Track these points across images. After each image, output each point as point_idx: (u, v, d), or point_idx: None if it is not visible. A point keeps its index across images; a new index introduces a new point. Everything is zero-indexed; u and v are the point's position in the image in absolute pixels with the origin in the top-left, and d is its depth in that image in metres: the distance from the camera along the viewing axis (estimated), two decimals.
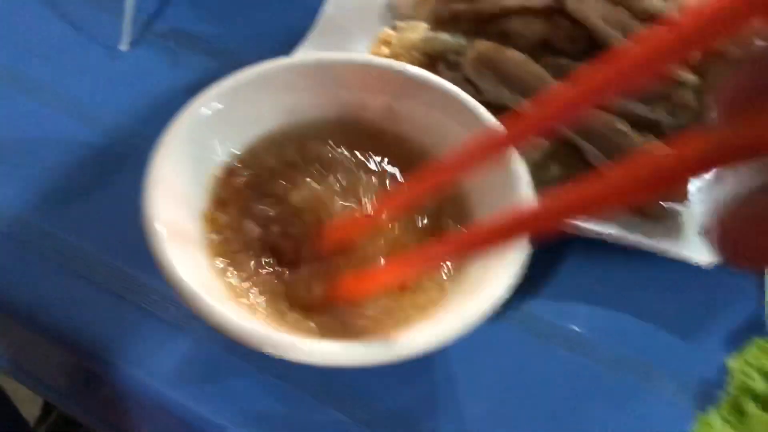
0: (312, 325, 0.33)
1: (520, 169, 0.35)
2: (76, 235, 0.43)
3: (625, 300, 0.41)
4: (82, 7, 0.54)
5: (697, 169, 0.17)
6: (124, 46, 0.52)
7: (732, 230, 0.17)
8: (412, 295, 0.34)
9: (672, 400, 0.37)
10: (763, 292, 0.36)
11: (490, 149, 0.29)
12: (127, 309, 0.40)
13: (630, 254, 0.41)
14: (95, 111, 0.49)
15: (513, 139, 0.28)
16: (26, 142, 0.48)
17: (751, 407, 0.27)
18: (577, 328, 0.40)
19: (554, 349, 0.39)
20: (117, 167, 0.47)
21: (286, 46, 0.48)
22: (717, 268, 0.39)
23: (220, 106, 0.37)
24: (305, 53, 0.47)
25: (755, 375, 0.29)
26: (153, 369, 0.38)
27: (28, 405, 1.04)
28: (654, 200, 0.41)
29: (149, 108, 0.50)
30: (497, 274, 0.31)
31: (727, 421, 0.28)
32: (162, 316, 0.39)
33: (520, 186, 0.34)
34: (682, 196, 0.41)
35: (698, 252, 0.39)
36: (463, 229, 0.36)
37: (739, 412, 0.28)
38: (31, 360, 0.45)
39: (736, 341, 0.37)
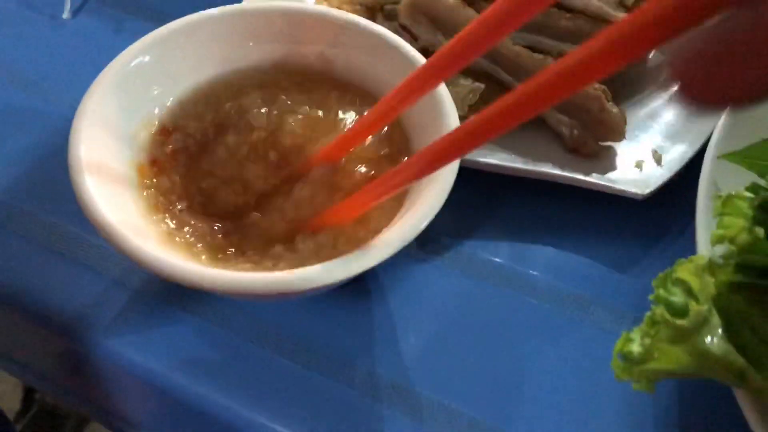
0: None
1: (448, 103, 0.35)
2: (15, 197, 0.43)
3: (563, 237, 0.41)
4: None
5: (659, 36, 0.17)
6: (66, 14, 0.52)
7: (688, 67, 0.17)
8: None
9: (609, 328, 0.38)
10: (695, 225, 0.37)
11: (423, 85, 0.30)
12: (65, 264, 0.40)
13: (567, 192, 0.41)
14: (38, 79, 0.49)
15: (441, 73, 0.29)
16: None
17: (662, 314, 0.28)
18: (515, 266, 0.40)
19: (492, 287, 0.39)
20: (59, 132, 0.46)
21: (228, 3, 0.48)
22: (650, 202, 0.40)
23: (147, 57, 0.37)
24: None
25: (675, 289, 0.29)
26: (92, 322, 0.38)
27: (8, 399, 1.04)
28: (590, 139, 0.41)
29: (92, 76, 0.49)
30: (422, 201, 0.32)
31: (647, 334, 0.29)
32: (101, 270, 0.39)
33: (450, 120, 0.35)
34: (619, 133, 0.41)
35: (633, 185, 0.40)
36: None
37: (658, 323, 0.29)
38: None
39: None
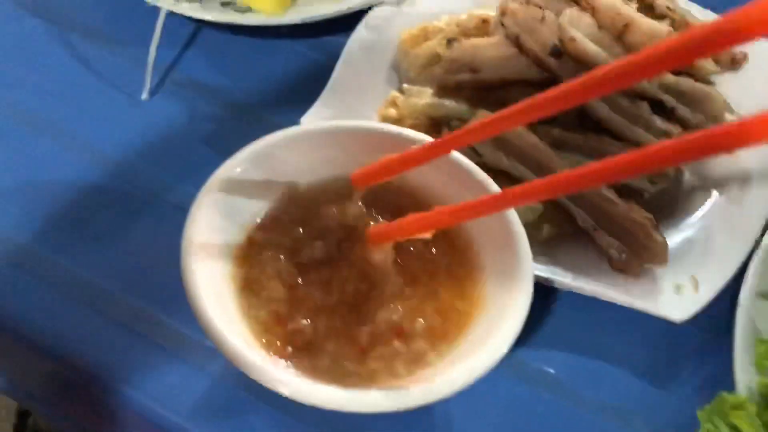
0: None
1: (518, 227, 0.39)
2: (98, 274, 0.46)
3: (606, 350, 0.45)
4: (105, 56, 0.57)
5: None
6: (144, 95, 0.55)
7: None
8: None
9: None
10: (731, 349, 0.41)
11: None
12: (152, 349, 0.43)
13: (610, 309, 0.45)
14: (114, 156, 0.52)
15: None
16: (47, 184, 0.51)
17: None
18: (561, 375, 0.44)
19: (540, 393, 0.43)
20: (135, 211, 0.50)
21: (298, 102, 0.52)
22: (689, 326, 0.44)
23: (248, 166, 0.40)
24: (316, 112, 0.50)
25: (722, 425, 0.33)
26: (173, 406, 0.41)
27: (1, 423, 1.04)
28: (635, 262, 0.45)
29: (166, 155, 0.53)
30: (501, 328, 0.35)
31: None
32: (182, 355, 0.43)
33: (519, 241, 0.39)
34: (662, 259, 0.45)
35: (673, 310, 0.44)
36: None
37: None
38: (49, 394, 0.48)
39: (706, 392, 0.41)
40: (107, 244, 0.48)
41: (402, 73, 0.55)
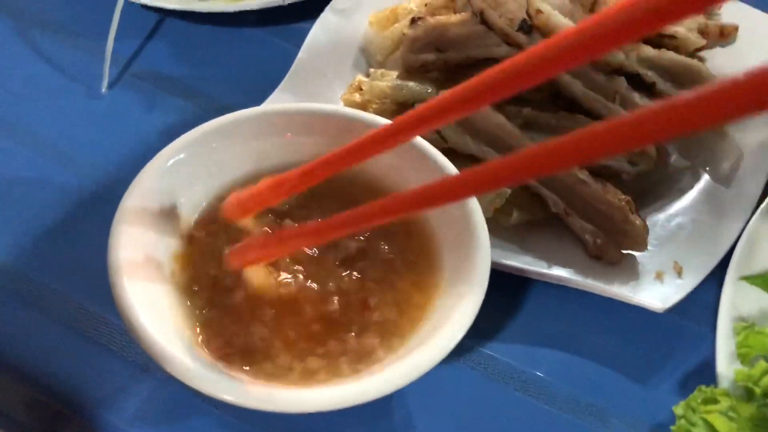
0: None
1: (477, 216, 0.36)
2: (47, 275, 0.44)
3: (581, 344, 0.42)
4: (61, 48, 0.55)
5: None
6: (104, 88, 0.53)
7: None
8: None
9: None
10: (715, 339, 0.37)
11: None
12: (93, 349, 0.40)
13: (587, 299, 0.42)
14: (71, 152, 0.50)
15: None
16: (2, 180, 0.49)
17: None
18: (533, 371, 0.40)
19: (510, 391, 0.40)
20: (91, 208, 0.47)
21: (260, 90, 0.49)
22: (671, 314, 0.40)
23: (183, 156, 0.38)
24: (277, 99, 0.48)
25: (698, 421, 0.30)
26: (117, 409, 0.39)
27: None
28: (613, 248, 0.42)
29: (125, 149, 0.51)
30: (452, 321, 0.32)
31: None
32: (126, 356, 0.40)
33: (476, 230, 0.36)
34: (641, 244, 0.42)
35: (654, 298, 0.40)
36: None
37: None
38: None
39: (689, 386, 0.38)
40: (58, 242, 0.46)
41: (370, 58, 0.52)
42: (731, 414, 0.30)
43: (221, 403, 0.38)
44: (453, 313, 0.33)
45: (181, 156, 0.38)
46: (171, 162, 0.37)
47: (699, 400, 0.30)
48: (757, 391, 0.30)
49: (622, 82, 0.45)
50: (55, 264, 0.44)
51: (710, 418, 0.29)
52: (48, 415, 0.42)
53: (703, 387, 0.32)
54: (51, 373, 0.40)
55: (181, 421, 0.38)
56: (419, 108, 0.29)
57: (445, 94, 0.28)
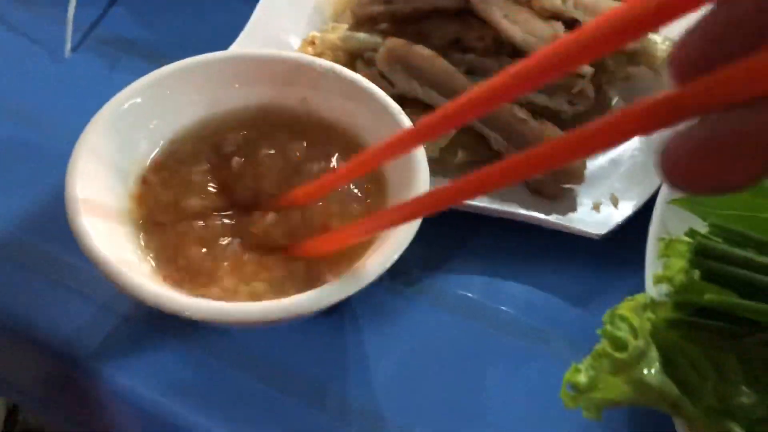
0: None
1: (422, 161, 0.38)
2: (18, 228, 0.45)
3: (527, 272, 0.44)
4: (23, 14, 0.57)
5: (651, 127, 0.19)
6: (66, 53, 0.55)
7: (677, 156, 0.18)
8: None
9: (567, 359, 0.40)
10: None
11: (405, 143, 0.33)
12: (57, 290, 0.42)
13: (531, 231, 0.44)
14: (35, 113, 0.52)
15: (425, 134, 0.32)
16: None
17: (605, 348, 0.30)
18: (482, 299, 0.43)
19: (457, 318, 0.42)
20: (56, 167, 0.49)
21: (220, 49, 0.51)
22: (608, 242, 0.43)
23: (140, 99, 0.40)
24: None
25: (621, 325, 0.32)
26: (80, 346, 0.40)
27: None
28: (552, 182, 0.44)
29: (89, 111, 0.52)
30: (394, 236, 0.34)
31: (592, 366, 0.32)
32: (88, 294, 0.42)
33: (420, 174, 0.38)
34: (578, 177, 0.44)
35: (590, 226, 0.43)
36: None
37: (602, 356, 0.31)
38: None
39: None
40: (26, 198, 0.47)
41: (323, 14, 0.54)
42: (649, 315, 0.32)
43: (182, 336, 0.41)
44: (394, 231, 0.35)
45: (137, 100, 0.40)
46: (127, 105, 0.39)
47: (625, 307, 0.33)
48: (672, 289, 0.32)
49: (560, 27, 0.47)
50: (19, 217, 0.46)
51: (630, 317, 0.31)
52: (16, 355, 0.44)
53: (628, 297, 0.34)
54: (14, 314, 0.42)
55: (144, 357, 0.40)
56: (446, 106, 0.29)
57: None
